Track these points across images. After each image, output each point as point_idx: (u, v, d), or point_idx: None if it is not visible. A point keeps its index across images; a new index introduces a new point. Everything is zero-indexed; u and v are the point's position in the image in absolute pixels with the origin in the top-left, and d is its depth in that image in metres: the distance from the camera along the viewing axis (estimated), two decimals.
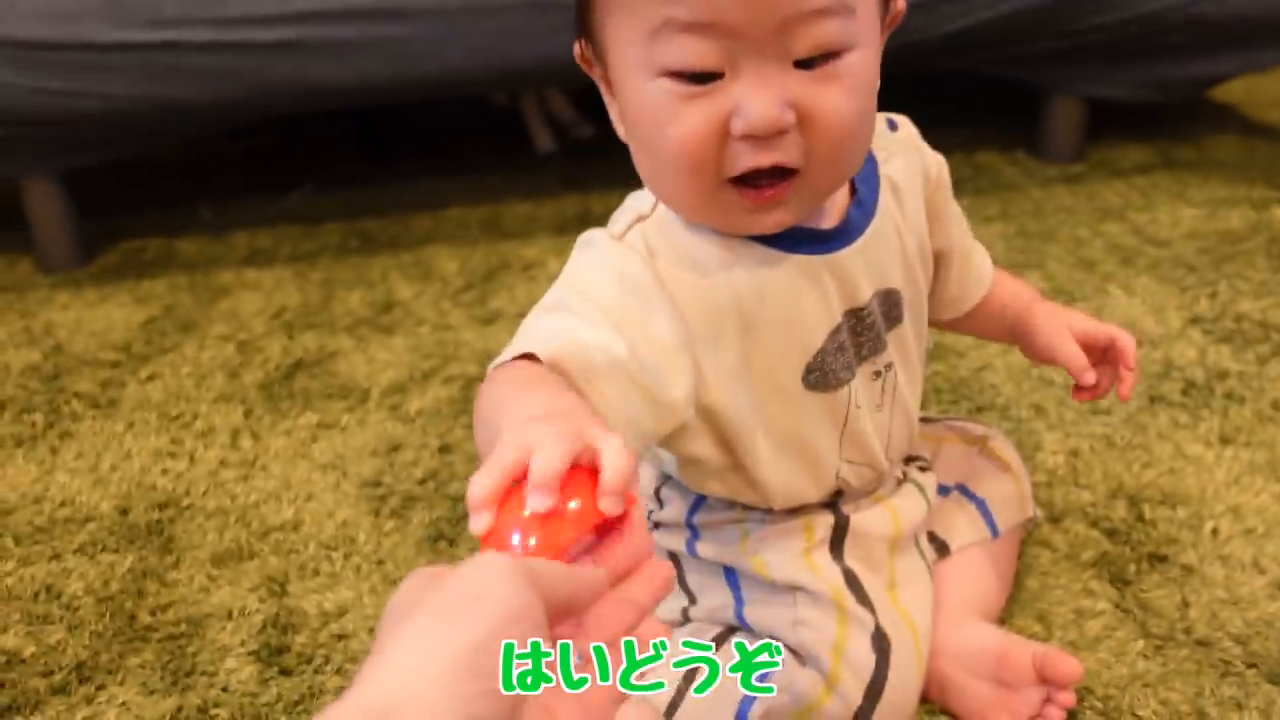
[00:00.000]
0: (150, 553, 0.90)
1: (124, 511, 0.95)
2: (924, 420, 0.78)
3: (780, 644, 0.64)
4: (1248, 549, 0.80)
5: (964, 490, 0.75)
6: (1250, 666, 0.69)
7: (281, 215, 1.62)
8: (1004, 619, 0.75)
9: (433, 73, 1.34)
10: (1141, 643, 0.72)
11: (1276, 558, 0.79)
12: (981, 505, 0.74)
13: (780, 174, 0.54)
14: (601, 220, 1.54)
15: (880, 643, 0.62)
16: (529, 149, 1.82)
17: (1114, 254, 1.27)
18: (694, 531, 0.69)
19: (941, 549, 0.73)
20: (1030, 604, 0.76)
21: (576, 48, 0.59)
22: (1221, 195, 1.42)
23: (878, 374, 0.65)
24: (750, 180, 0.54)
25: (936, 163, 0.68)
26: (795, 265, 0.59)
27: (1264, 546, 0.80)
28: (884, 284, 0.64)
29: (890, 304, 0.65)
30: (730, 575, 0.68)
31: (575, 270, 0.59)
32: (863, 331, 0.63)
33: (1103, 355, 0.70)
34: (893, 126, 0.67)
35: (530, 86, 1.76)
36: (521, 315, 1.26)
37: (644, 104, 0.53)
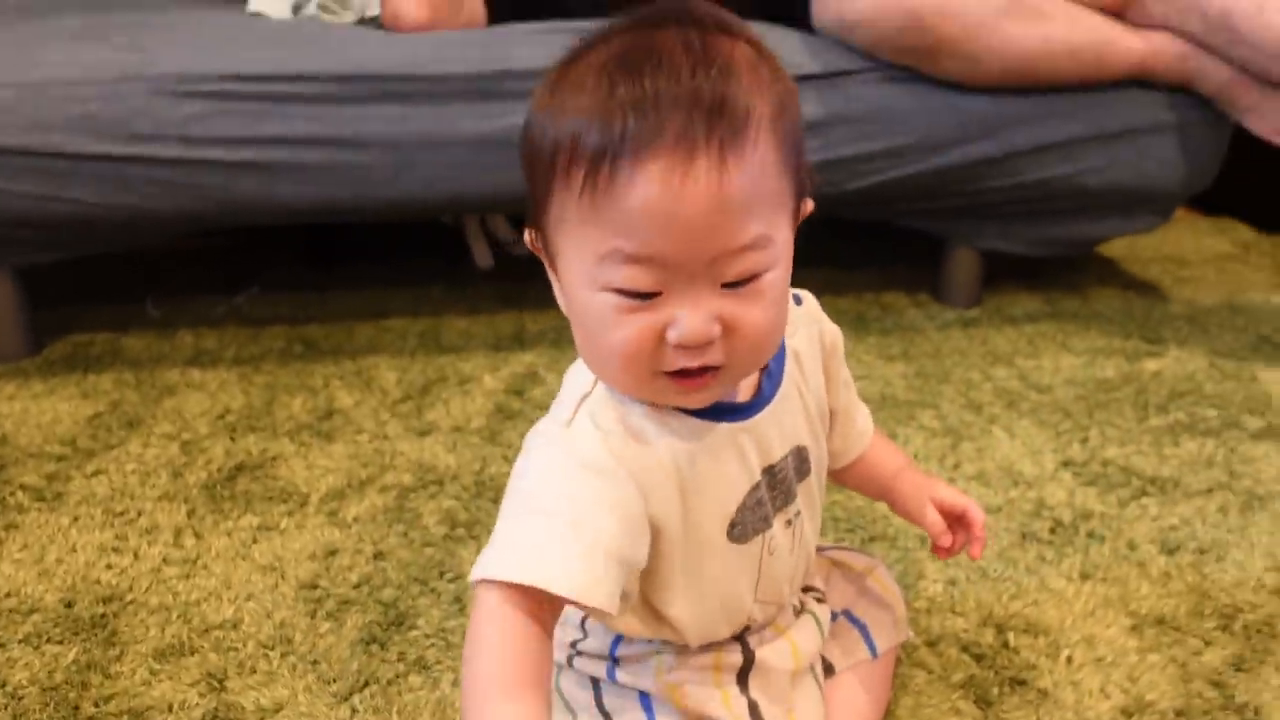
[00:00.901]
0: (94, 646, 0.95)
1: (69, 604, 1.01)
2: (817, 550, 0.88)
3: None
4: (1097, 676, 0.90)
5: (849, 616, 0.84)
6: None
7: (227, 317, 1.69)
8: None
9: (389, 198, 1.44)
10: None
11: (1120, 684, 0.89)
12: (863, 630, 0.84)
13: (706, 369, 0.62)
14: (536, 337, 1.63)
15: None
16: (469, 264, 1.92)
17: (1001, 398, 1.40)
18: (614, 661, 0.76)
19: (828, 669, 0.82)
20: None
21: (528, 235, 0.67)
22: (1100, 345, 1.57)
23: (789, 522, 0.74)
24: (680, 372, 0.62)
25: (832, 333, 0.78)
26: (720, 434, 0.67)
27: (1111, 674, 0.90)
28: (794, 441, 0.73)
29: (800, 459, 0.74)
30: (645, 700, 0.75)
31: (544, 471, 0.64)
32: (776, 486, 0.72)
33: (958, 521, 0.82)
34: (798, 301, 0.76)
35: (476, 212, 1.87)
36: (456, 429, 1.35)
37: (589, 309, 0.61)
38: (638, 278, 0.59)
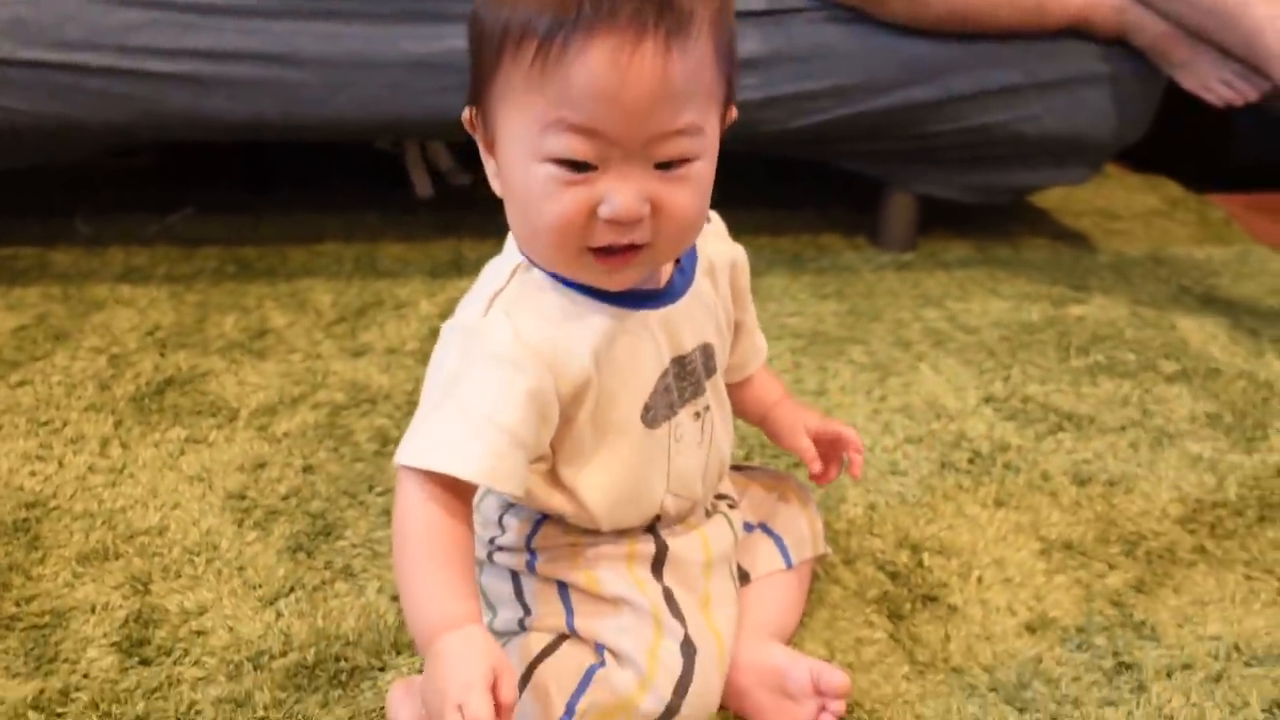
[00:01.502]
0: (16, 549, 0.95)
1: None
2: (737, 468, 0.91)
3: (604, 648, 0.73)
4: (1004, 595, 0.94)
5: (765, 528, 0.87)
6: (992, 690, 0.82)
7: (159, 236, 1.67)
8: (796, 643, 0.87)
9: (323, 117, 1.43)
10: (907, 667, 0.85)
11: (1026, 603, 0.93)
12: (779, 541, 0.86)
13: (631, 246, 0.66)
14: (474, 265, 1.64)
15: (688, 649, 0.72)
16: (407, 192, 1.91)
17: (929, 337, 1.43)
18: (532, 554, 0.78)
19: (744, 577, 0.84)
20: (820, 631, 0.88)
21: (466, 113, 0.70)
22: (1027, 291, 1.60)
23: (698, 415, 0.78)
24: (605, 249, 0.66)
25: (742, 254, 0.83)
26: (635, 319, 0.72)
27: (1018, 594, 0.94)
28: (702, 339, 0.77)
29: (707, 356, 0.78)
30: (563, 590, 0.77)
31: (459, 364, 0.68)
32: (685, 377, 0.76)
33: (832, 446, 0.86)
34: (708, 219, 0.80)
35: (415, 137, 1.85)
36: (390, 351, 1.36)
37: (529, 183, 0.64)
38: (578, 148, 0.62)
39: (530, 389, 0.67)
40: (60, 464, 1.07)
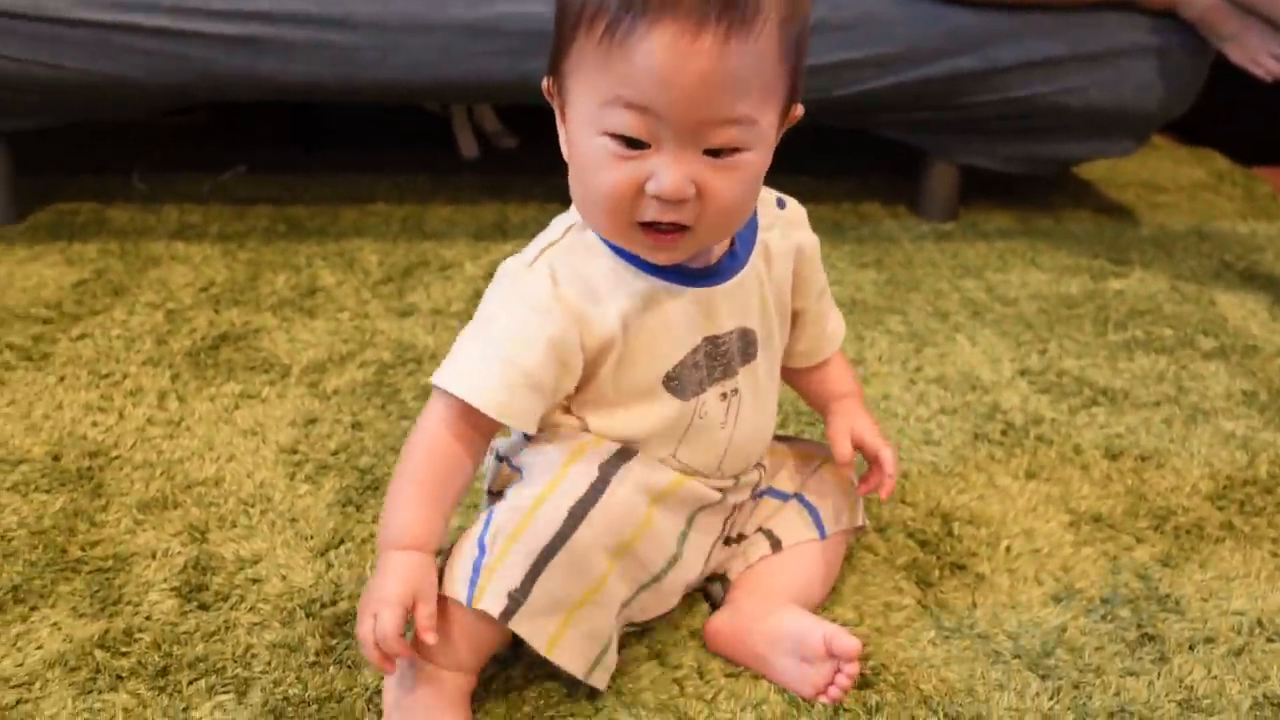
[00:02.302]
0: (80, 496, 0.99)
1: (56, 457, 1.04)
2: (779, 438, 0.93)
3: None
4: (1032, 565, 0.96)
5: (800, 498, 0.89)
6: (1016, 657, 0.85)
7: (212, 194, 1.70)
8: (826, 607, 0.89)
9: (374, 79, 1.45)
10: (933, 633, 0.87)
11: (1053, 573, 0.95)
12: (814, 512, 0.88)
13: (677, 227, 0.70)
14: (518, 228, 1.66)
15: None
16: (454, 154, 1.93)
17: (966, 308, 1.44)
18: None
19: (776, 545, 0.87)
20: (849, 596, 0.91)
21: (545, 82, 0.74)
22: (1068, 263, 1.61)
23: (725, 396, 0.80)
24: (653, 226, 0.69)
25: (811, 243, 0.85)
26: (670, 292, 0.75)
27: (1045, 564, 0.96)
28: (743, 323, 0.79)
29: (746, 341, 0.80)
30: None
31: (498, 303, 0.75)
32: (717, 357, 0.78)
33: (873, 461, 0.88)
34: (781, 205, 0.83)
35: (463, 100, 1.87)
36: (436, 311, 1.39)
37: (587, 152, 0.69)
38: (632, 124, 0.66)
39: (553, 337, 0.71)
40: (121, 415, 1.12)
